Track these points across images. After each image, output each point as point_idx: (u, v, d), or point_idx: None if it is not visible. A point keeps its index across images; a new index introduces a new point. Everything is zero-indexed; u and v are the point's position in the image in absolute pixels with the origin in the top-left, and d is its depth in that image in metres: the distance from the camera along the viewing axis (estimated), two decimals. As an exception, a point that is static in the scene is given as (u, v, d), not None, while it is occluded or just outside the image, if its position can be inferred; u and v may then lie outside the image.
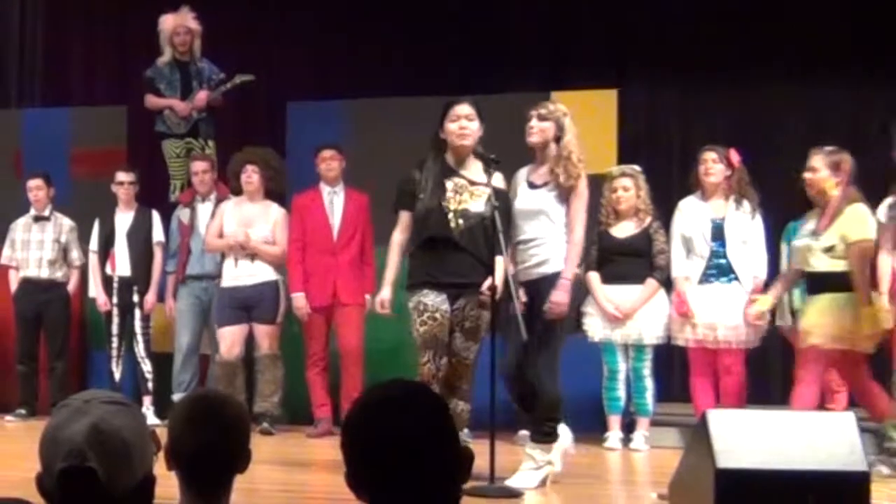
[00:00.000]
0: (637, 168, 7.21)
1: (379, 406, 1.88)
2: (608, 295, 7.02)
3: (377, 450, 1.83)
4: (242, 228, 7.51)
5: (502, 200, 5.31)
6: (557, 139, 5.41)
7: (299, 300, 7.45)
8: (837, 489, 4.05)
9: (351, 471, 1.87)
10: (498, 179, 5.41)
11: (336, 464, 5.76)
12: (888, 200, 6.54)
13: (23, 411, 8.15)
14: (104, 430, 1.87)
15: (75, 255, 8.35)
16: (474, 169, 5.45)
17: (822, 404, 6.66)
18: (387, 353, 7.40)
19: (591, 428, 6.91)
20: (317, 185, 7.61)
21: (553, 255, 5.33)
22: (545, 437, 5.34)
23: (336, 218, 7.54)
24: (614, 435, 7.02)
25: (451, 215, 5.35)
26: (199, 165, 8.09)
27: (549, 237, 5.35)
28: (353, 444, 1.88)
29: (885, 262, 6.34)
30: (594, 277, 7.05)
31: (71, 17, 10.11)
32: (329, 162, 7.55)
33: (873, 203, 6.67)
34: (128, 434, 1.89)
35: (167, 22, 8.64)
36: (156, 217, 8.25)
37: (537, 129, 5.42)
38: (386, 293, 5.57)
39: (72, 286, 8.37)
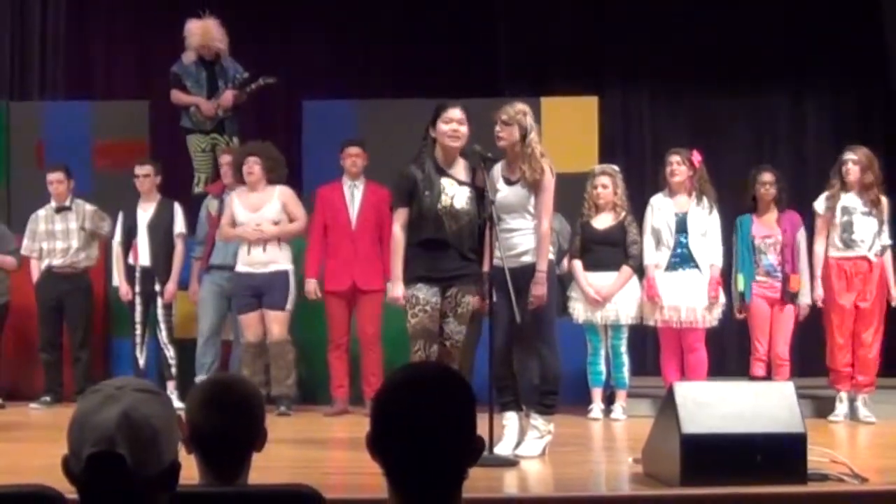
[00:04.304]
0: (615, 167, 7.73)
1: (411, 384, 1.95)
2: (589, 280, 7.53)
3: (399, 424, 1.90)
4: (253, 215, 7.63)
5: (488, 196, 5.57)
6: (523, 138, 5.70)
7: (309, 284, 7.62)
8: (780, 448, 4.81)
9: (373, 434, 1.94)
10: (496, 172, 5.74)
11: (352, 441, 6.44)
12: (825, 193, 7.59)
13: (47, 399, 8.07)
14: (134, 418, 1.86)
15: (106, 228, 8.26)
16: (460, 168, 5.73)
17: (768, 375, 7.43)
18: (404, 337, 7.51)
19: (577, 401, 7.39)
20: (339, 178, 7.84)
21: (532, 246, 5.72)
22: (547, 408, 5.79)
23: (354, 207, 7.74)
24: (597, 406, 7.51)
25: (444, 218, 5.63)
26: (226, 158, 8.18)
27: (528, 229, 5.73)
28: (378, 412, 1.94)
29: (819, 248, 7.47)
30: (578, 265, 7.59)
31: (92, 10, 10.21)
32: (354, 158, 7.77)
33: (812, 196, 7.66)
34: (157, 422, 1.89)
35: (194, 33, 8.64)
36: (178, 209, 8.21)
37: (504, 134, 5.71)
38: (399, 290, 5.74)
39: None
